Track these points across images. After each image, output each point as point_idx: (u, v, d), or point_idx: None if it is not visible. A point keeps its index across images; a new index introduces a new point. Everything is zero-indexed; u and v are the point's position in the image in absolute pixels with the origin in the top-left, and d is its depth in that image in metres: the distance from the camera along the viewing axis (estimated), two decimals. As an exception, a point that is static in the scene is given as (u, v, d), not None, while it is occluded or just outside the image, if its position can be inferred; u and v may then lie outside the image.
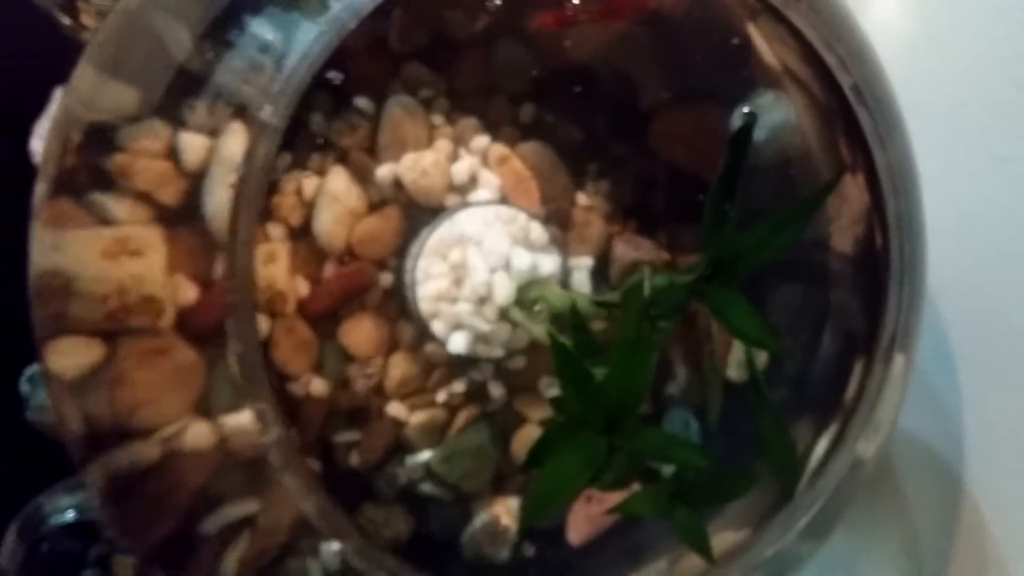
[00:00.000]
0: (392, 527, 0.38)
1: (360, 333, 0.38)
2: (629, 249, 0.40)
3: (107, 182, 0.35)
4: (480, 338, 0.38)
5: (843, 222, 0.37)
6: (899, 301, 0.35)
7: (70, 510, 0.45)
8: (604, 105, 0.41)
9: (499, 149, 0.40)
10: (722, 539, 0.40)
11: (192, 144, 0.34)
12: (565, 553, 0.40)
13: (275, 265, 0.37)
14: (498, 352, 0.38)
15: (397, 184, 0.38)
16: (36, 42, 0.46)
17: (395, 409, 0.39)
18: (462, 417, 0.39)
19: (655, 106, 0.41)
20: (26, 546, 0.43)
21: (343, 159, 0.38)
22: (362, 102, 0.38)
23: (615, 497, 0.38)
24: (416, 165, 0.38)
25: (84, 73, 0.35)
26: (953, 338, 0.46)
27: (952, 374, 0.46)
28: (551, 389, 0.40)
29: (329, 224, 0.37)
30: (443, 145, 0.39)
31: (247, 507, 0.36)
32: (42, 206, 0.33)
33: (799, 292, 0.40)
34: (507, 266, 0.37)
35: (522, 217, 0.39)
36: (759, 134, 0.39)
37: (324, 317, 0.38)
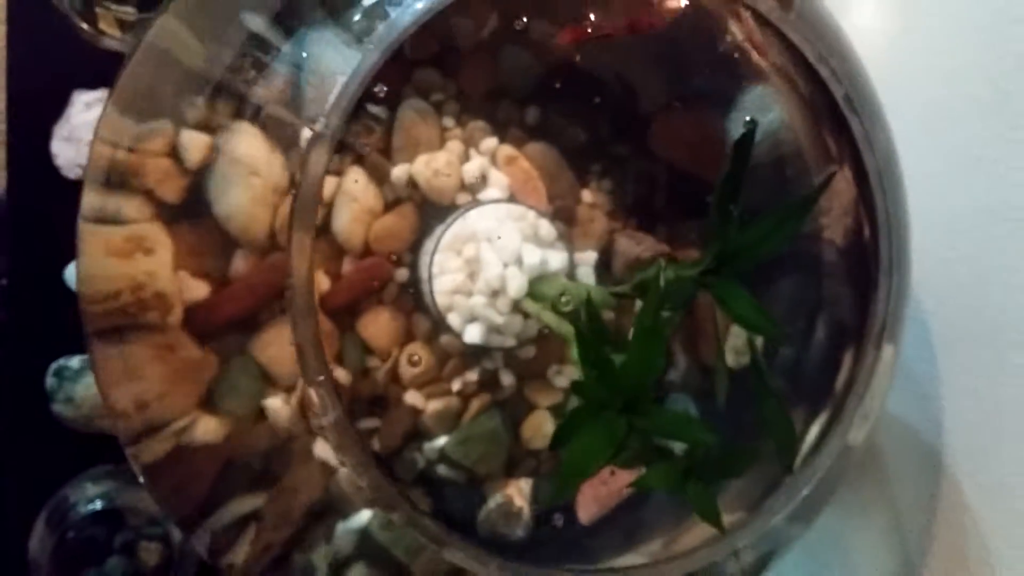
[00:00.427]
0: (413, 509, 0.40)
1: (378, 326, 0.40)
2: (631, 244, 0.42)
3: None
4: (494, 329, 0.39)
5: (832, 215, 0.39)
6: (888, 293, 0.37)
7: (96, 499, 0.46)
8: (606, 108, 0.43)
9: (507, 150, 0.42)
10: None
11: (194, 143, 0.36)
12: (575, 532, 0.42)
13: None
14: (510, 342, 0.40)
15: (412, 184, 0.40)
16: (56, 48, 0.48)
17: (412, 398, 0.40)
18: (475, 404, 0.41)
19: (654, 109, 0.43)
20: (54, 534, 0.45)
21: (360, 160, 0.40)
22: (377, 107, 0.40)
23: (621, 479, 0.40)
24: (429, 165, 0.40)
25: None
26: (933, 327, 0.48)
27: (933, 361, 0.48)
28: (559, 377, 0.42)
29: (347, 222, 0.39)
30: (454, 146, 0.41)
31: (255, 500, 0.37)
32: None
33: (793, 286, 0.42)
34: (519, 261, 0.39)
35: (531, 214, 0.40)
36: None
37: (344, 311, 0.39)
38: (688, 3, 0.39)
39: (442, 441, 0.41)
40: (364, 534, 0.38)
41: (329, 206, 0.39)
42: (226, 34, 0.36)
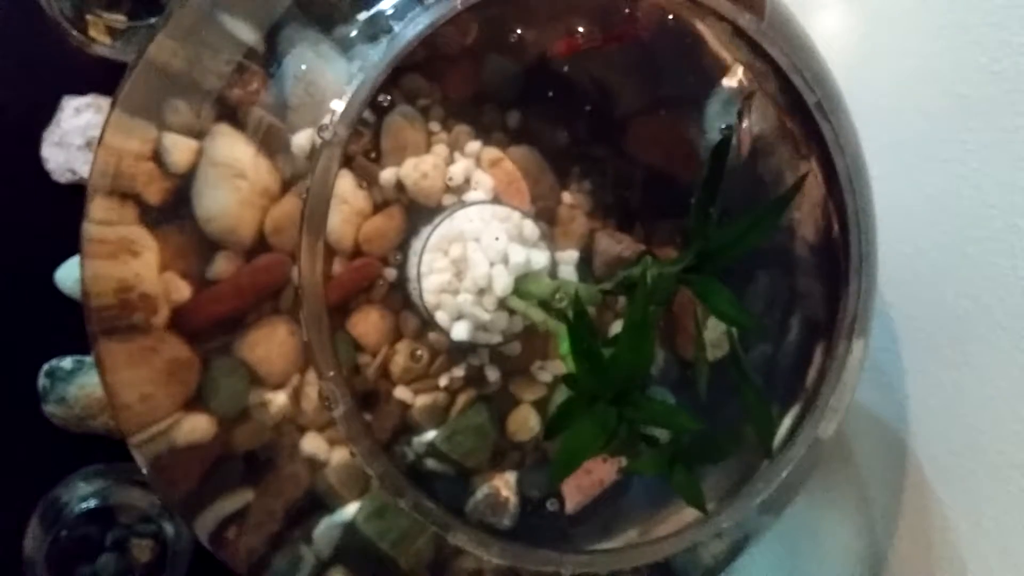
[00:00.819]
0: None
1: (368, 324, 0.41)
2: (611, 243, 0.44)
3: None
4: (480, 326, 0.40)
5: (804, 215, 0.40)
6: (858, 288, 0.39)
7: (88, 498, 0.46)
8: (584, 112, 0.44)
9: (491, 152, 0.43)
10: (690, 511, 0.43)
11: (177, 145, 0.36)
12: (560, 521, 0.43)
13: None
14: (496, 339, 0.41)
15: (399, 186, 0.41)
16: (46, 54, 0.48)
17: (401, 393, 0.41)
18: (462, 399, 0.42)
19: (630, 113, 0.45)
20: (48, 533, 0.45)
21: (349, 163, 0.41)
22: (365, 111, 0.41)
23: (603, 469, 0.42)
24: (417, 168, 0.41)
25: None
26: (897, 320, 0.50)
27: (896, 351, 0.50)
28: (542, 372, 0.43)
29: (338, 224, 0.40)
30: (440, 150, 0.42)
31: (244, 497, 0.38)
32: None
33: (768, 283, 0.43)
34: (505, 260, 0.40)
35: (515, 215, 0.41)
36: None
37: (335, 309, 0.40)
38: (664, 14, 0.40)
39: (431, 435, 0.42)
40: (348, 530, 0.39)
41: (319, 208, 0.40)
42: (211, 40, 0.37)
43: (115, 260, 0.36)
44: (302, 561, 0.39)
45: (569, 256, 0.43)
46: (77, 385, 0.48)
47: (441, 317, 0.40)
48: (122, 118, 0.36)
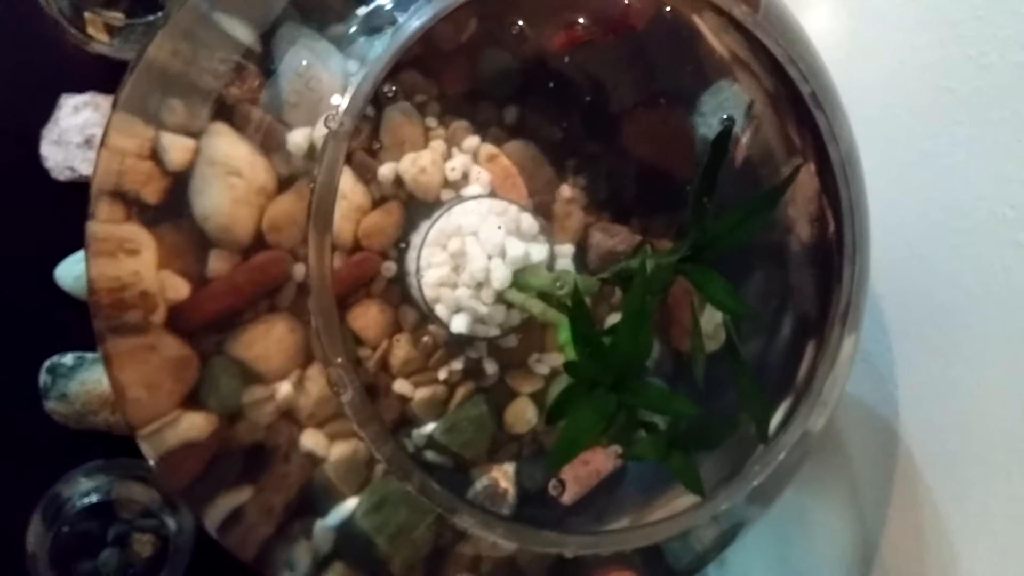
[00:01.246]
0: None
1: (368, 318, 0.41)
2: (606, 237, 0.44)
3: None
4: (478, 319, 0.40)
5: (797, 208, 0.41)
6: (851, 279, 0.39)
7: (90, 493, 0.46)
8: (579, 107, 0.45)
9: (488, 148, 0.43)
10: (681, 501, 0.43)
11: (175, 144, 0.36)
12: (557, 511, 0.43)
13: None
14: (494, 332, 0.41)
15: (398, 181, 0.41)
16: (45, 52, 0.48)
17: (401, 386, 0.41)
18: (461, 392, 0.42)
19: (625, 107, 0.45)
20: (50, 529, 0.45)
21: (348, 159, 0.41)
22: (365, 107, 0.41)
23: (599, 460, 0.42)
24: (415, 163, 0.41)
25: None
26: (886, 311, 0.50)
27: (886, 342, 0.50)
28: (539, 364, 0.43)
29: (338, 219, 0.39)
30: (438, 145, 0.42)
31: (245, 492, 0.38)
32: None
33: (762, 278, 0.44)
34: (503, 253, 0.40)
35: (513, 209, 0.42)
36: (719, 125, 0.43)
37: (336, 304, 0.40)
38: (661, 6, 0.40)
39: (430, 428, 0.42)
40: (346, 526, 0.39)
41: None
42: (209, 40, 0.37)
43: (115, 258, 0.36)
44: (302, 557, 0.39)
45: (566, 250, 0.44)
46: (78, 381, 0.48)
47: (440, 310, 0.41)
48: (123, 118, 0.36)
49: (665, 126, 0.45)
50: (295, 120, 0.37)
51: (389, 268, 0.41)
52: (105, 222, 0.35)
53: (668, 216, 0.45)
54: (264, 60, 0.37)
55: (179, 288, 0.36)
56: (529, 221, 0.42)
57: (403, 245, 0.41)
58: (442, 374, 0.42)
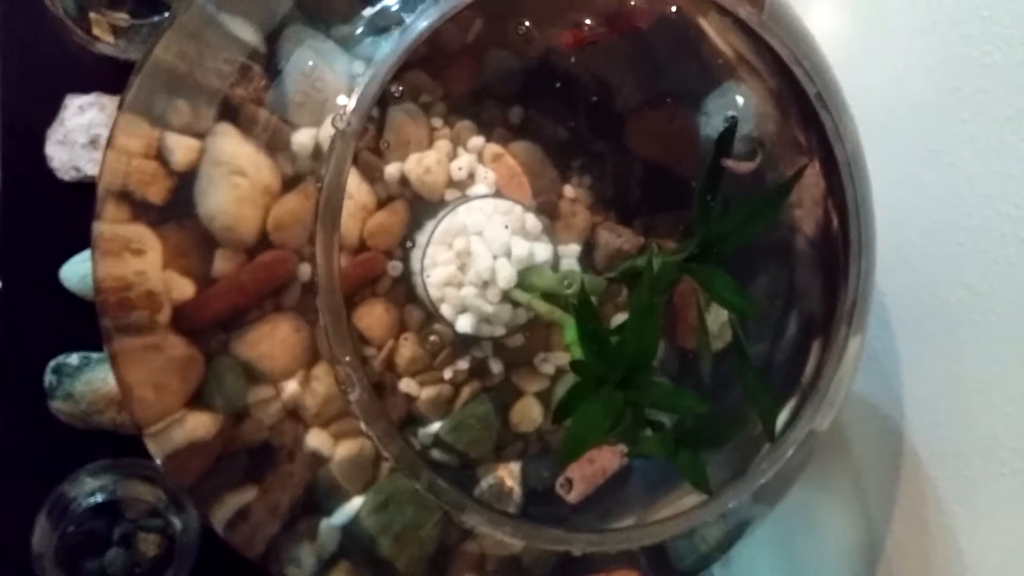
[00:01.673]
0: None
1: (373, 317, 0.41)
2: (612, 237, 0.44)
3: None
4: (484, 319, 0.40)
5: (803, 207, 0.40)
6: (857, 277, 0.39)
7: (95, 493, 0.46)
8: (585, 107, 0.44)
9: (493, 148, 0.43)
10: (687, 500, 0.43)
11: (180, 144, 0.36)
12: (563, 510, 0.43)
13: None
14: (499, 331, 0.41)
15: (403, 181, 0.41)
16: (50, 52, 0.48)
17: (407, 385, 0.41)
18: (466, 391, 0.42)
19: (630, 107, 0.45)
20: (55, 529, 0.45)
21: (354, 159, 0.40)
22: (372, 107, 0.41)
23: (605, 459, 0.42)
24: (420, 163, 0.41)
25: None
26: (891, 309, 0.50)
27: (891, 340, 0.50)
28: (545, 364, 0.43)
29: (344, 219, 0.39)
30: (443, 145, 0.42)
31: (250, 492, 0.38)
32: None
33: (768, 279, 0.44)
34: (508, 253, 0.40)
35: (518, 209, 0.41)
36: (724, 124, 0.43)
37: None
38: (666, 6, 0.40)
39: (436, 427, 0.42)
40: (352, 525, 0.39)
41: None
42: (214, 41, 0.37)
43: (121, 258, 0.36)
44: (308, 555, 0.39)
45: (571, 250, 0.44)
46: (83, 381, 0.47)
47: (446, 310, 0.40)
48: (129, 119, 0.36)
49: (670, 126, 0.45)
50: (300, 120, 0.37)
51: (395, 267, 0.41)
52: (111, 222, 0.35)
53: (674, 215, 0.45)
54: (269, 61, 0.37)
55: (184, 288, 0.36)
56: (534, 221, 0.42)
57: (409, 244, 0.41)
58: (448, 373, 0.42)
